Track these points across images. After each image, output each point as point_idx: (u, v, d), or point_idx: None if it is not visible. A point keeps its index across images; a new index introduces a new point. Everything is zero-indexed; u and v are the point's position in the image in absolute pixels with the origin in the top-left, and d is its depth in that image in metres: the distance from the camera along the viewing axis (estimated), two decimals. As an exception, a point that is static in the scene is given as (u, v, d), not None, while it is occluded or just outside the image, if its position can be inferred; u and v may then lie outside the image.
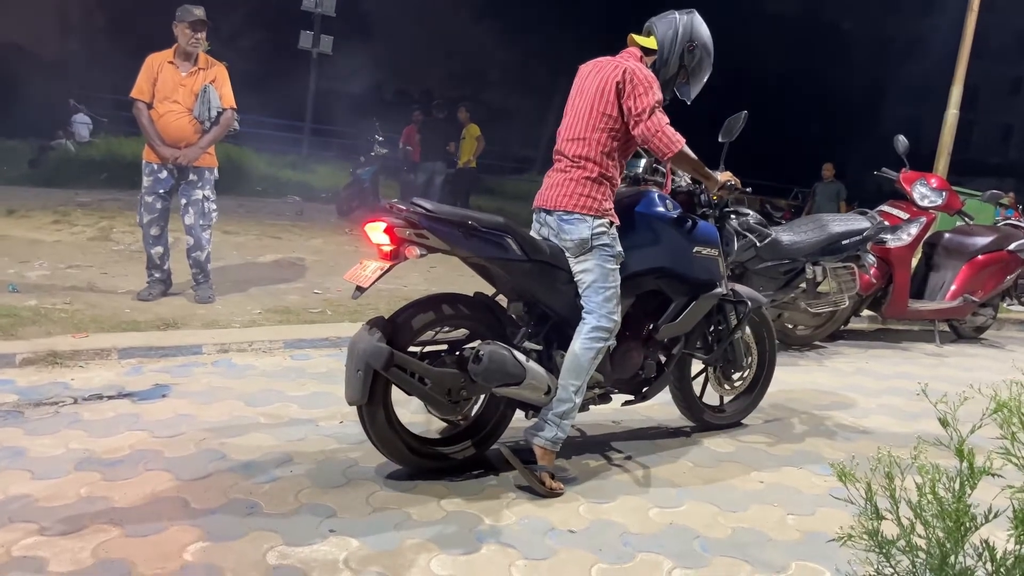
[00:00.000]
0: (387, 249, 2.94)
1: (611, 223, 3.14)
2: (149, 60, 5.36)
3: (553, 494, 2.99)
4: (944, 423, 1.99)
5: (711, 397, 4.00)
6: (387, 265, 2.93)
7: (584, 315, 3.11)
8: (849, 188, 11.45)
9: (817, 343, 6.11)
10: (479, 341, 3.10)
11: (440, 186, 11.44)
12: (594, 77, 3.20)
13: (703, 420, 3.93)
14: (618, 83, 3.10)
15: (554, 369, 3.16)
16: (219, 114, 5.41)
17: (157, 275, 5.54)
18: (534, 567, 2.49)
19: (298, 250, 8.19)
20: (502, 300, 3.35)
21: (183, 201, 5.45)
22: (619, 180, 3.31)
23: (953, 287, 6.54)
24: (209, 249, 5.61)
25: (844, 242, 5.45)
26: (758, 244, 5.00)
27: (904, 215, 6.38)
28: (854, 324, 6.83)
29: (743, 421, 4.08)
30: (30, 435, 3.23)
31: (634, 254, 3.30)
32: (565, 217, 3.13)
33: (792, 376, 5.09)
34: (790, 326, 5.87)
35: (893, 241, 6.20)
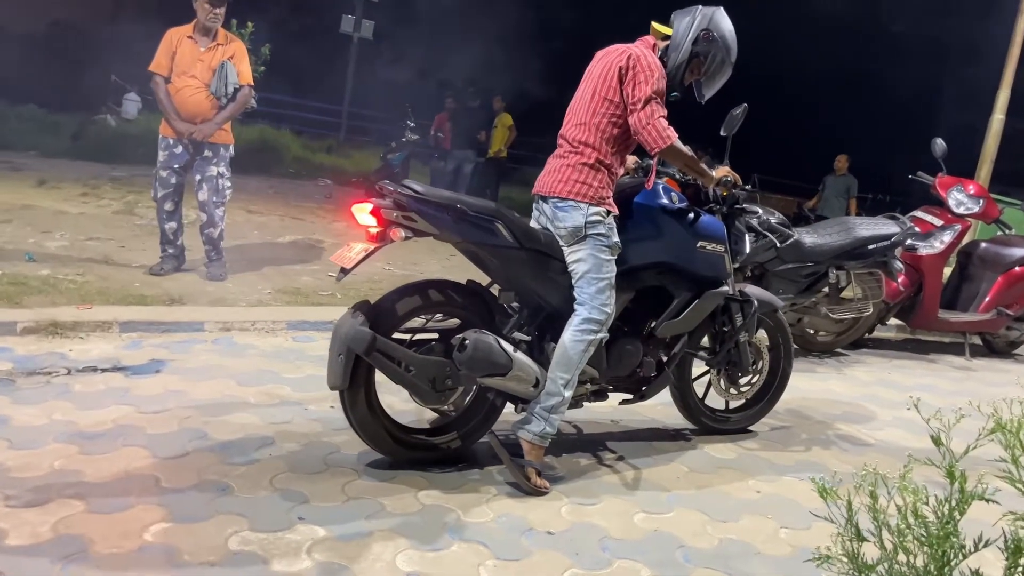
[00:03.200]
0: (374, 231, 2.87)
1: (608, 212, 3.03)
2: (168, 34, 5.34)
3: (537, 492, 2.89)
4: (937, 442, 1.85)
5: (716, 401, 3.86)
6: (372, 247, 2.87)
7: (576, 306, 3.00)
8: (895, 194, 11.01)
9: (839, 350, 5.90)
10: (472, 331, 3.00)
11: (469, 175, 11.35)
12: (602, 62, 3.11)
13: (705, 424, 3.79)
14: (621, 68, 2.99)
15: (545, 362, 3.06)
16: (236, 91, 5.36)
17: (170, 250, 5.53)
18: (504, 568, 2.39)
19: (319, 232, 8.16)
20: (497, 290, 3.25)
21: (197, 177, 5.42)
22: (620, 169, 3.19)
23: (987, 299, 6.26)
24: (222, 226, 5.58)
25: (870, 247, 5.24)
26: (778, 245, 4.84)
27: (938, 222, 6.14)
28: (880, 333, 6.60)
29: (749, 428, 3.93)
30: (16, 404, 3.21)
31: (634, 247, 3.19)
32: (559, 204, 3.02)
33: (807, 383, 4.91)
34: (811, 331, 5.68)
35: (925, 248, 5.96)
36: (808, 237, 5.15)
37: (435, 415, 3.31)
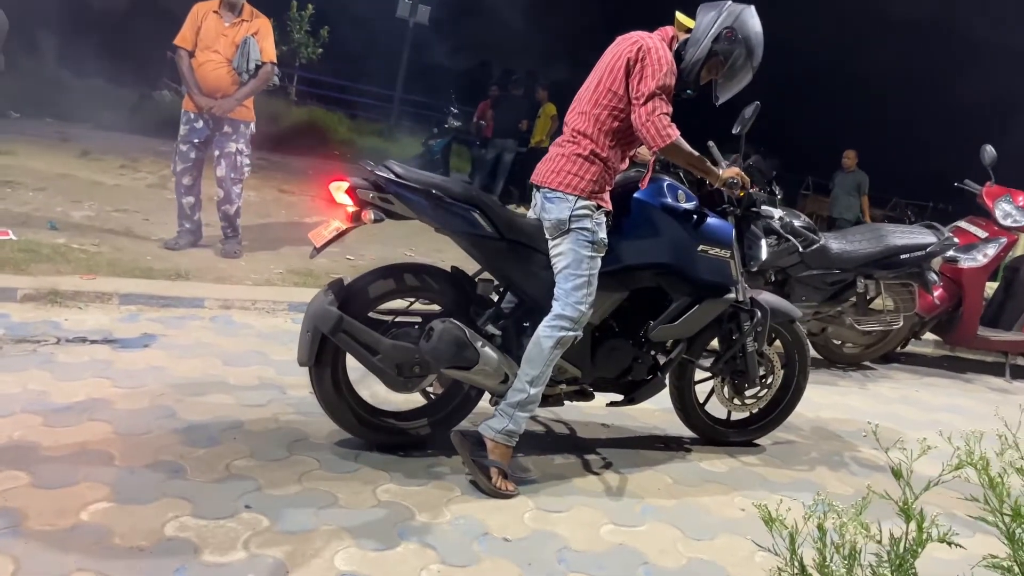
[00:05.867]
0: (350, 211, 2.79)
1: (597, 207, 2.88)
2: (195, 8, 5.32)
3: (500, 494, 2.76)
4: (897, 474, 1.67)
5: (720, 411, 3.66)
6: (344, 227, 2.79)
7: (552, 301, 2.86)
8: (958, 203, 10.40)
9: (867, 364, 5.62)
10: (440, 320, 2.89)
11: (510, 163, 11.20)
12: (613, 50, 2.96)
13: (705, 433, 3.61)
14: (630, 59, 2.84)
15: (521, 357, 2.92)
16: (258, 67, 5.32)
17: (187, 225, 5.52)
18: (447, 574, 2.27)
19: (349, 215, 8.11)
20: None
21: (216, 153, 5.40)
22: (621, 163, 3.03)
23: (1033, 318, 5.90)
24: (239, 204, 5.55)
25: (903, 256, 4.95)
26: (801, 250, 4.61)
27: (982, 233, 5.79)
28: (915, 348, 6.28)
29: (755, 442, 3.73)
30: (-5, 370, 3.20)
31: (629, 245, 3.04)
32: (549, 195, 2.89)
33: (825, 396, 4.67)
34: (837, 342, 5.41)
35: (966, 260, 5.63)
36: (835, 243, 4.90)
37: (422, 397, 3.20)
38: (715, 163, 3.28)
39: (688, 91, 3.00)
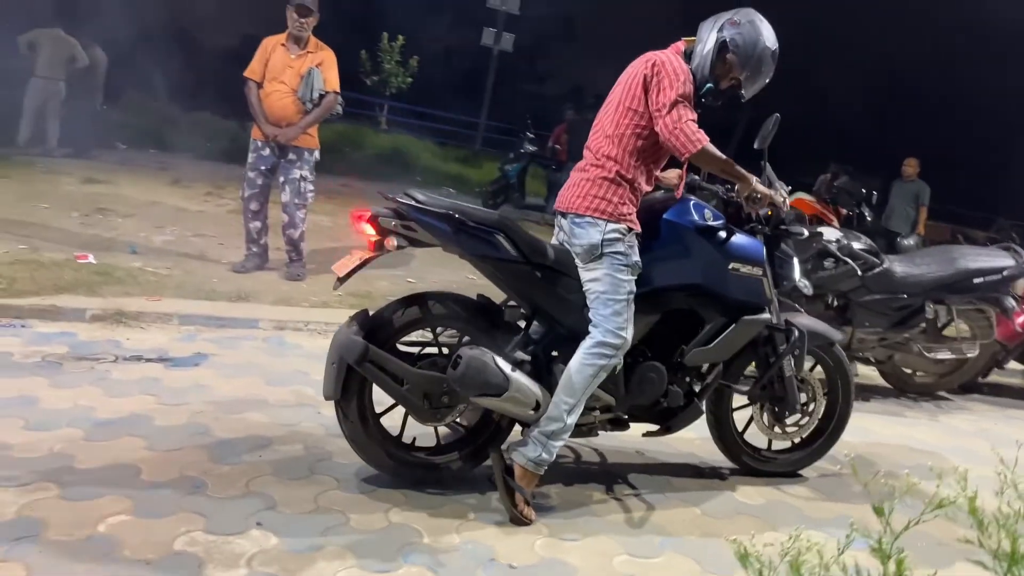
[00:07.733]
0: (373, 240, 2.82)
1: (628, 229, 2.84)
2: (264, 42, 5.56)
3: (519, 520, 2.72)
4: (879, 512, 1.57)
5: (759, 439, 3.53)
6: (368, 256, 2.82)
7: (590, 328, 2.82)
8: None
9: (942, 394, 5.30)
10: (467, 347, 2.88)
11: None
12: (628, 70, 2.95)
13: (745, 463, 3.48)
14: (646, 76, 2.83)
15: (553, 384, 2.88)
16: (322, 96, 5.50)
17: (254, 249, 5.74)
18: (445, 599, 2.26)
19: (419, 239, 8.23)
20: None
21: (281, 179, 5.59)
22: (646, 184, 2.98)
23: None
24: (303, 228, 5.72)
25: (976, 280, 4.68)
26: (860, 273, 4.41)
27: (1070, 255, 5.41)
28: (1000, 378, 5.89)
29: (799, 472, 3.57)
30: (52, 387, 3.38)
31: (659, 266, 2.98)
32: (577, 220, 2.87)
33: (887, 427, 4.43)
34: (908, 371, 5.13)
35: (1052, 285, 5.27)
36: (900, 266, 4.66)
37: (448, 431, 3.19)
38: (770, 185, 3.17)
39: (708, 84, 2.92)
